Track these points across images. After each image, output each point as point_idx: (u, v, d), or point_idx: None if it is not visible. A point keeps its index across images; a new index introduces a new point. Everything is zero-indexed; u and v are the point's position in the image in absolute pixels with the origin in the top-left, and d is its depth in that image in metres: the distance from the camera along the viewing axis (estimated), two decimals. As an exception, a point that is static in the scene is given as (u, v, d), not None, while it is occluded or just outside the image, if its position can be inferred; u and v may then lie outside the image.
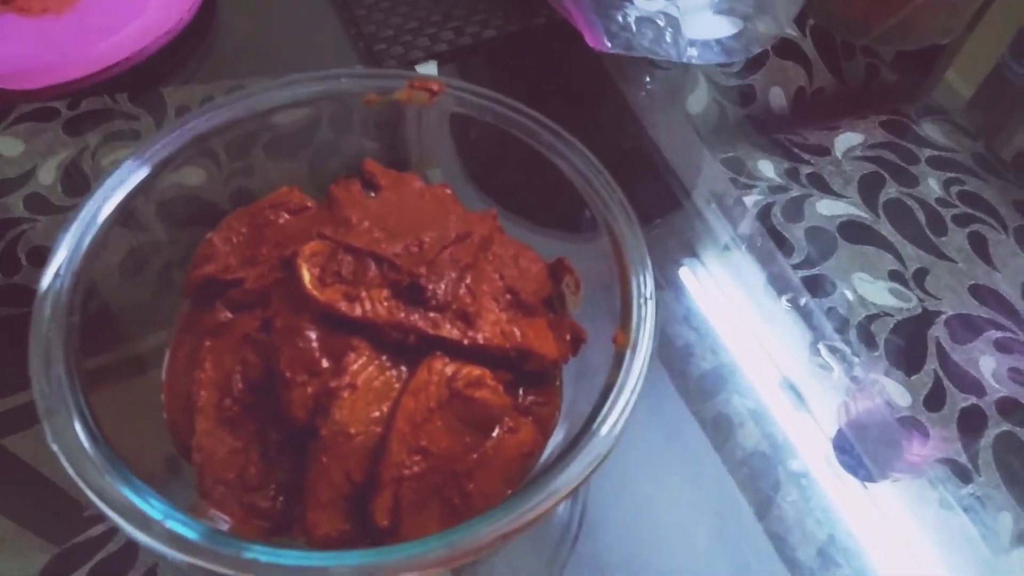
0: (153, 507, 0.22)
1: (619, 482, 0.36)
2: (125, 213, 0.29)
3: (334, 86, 0.33)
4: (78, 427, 0.23)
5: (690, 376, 0.39)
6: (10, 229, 0.41)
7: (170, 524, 0.21)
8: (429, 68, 0.50)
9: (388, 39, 0.50)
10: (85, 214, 0.28)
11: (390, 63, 0.49)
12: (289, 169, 0.34)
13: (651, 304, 0.27)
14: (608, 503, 0.35)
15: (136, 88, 0.47)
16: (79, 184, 0.43)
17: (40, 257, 0.39)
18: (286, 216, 0.31)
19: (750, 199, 0.47)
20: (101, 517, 0.31)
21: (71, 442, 0.23)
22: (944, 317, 0.43)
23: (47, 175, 0.43)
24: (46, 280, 0.26)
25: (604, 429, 0.24)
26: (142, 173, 0.30)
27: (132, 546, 0.32)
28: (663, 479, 0.37)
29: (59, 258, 0.27)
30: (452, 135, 0.38)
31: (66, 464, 0.22)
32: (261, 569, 0.21)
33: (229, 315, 0.28)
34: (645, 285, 0.28)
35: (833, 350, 0.41)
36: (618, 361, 0.26)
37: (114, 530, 0.32)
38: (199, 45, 0.52)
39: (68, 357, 0.25)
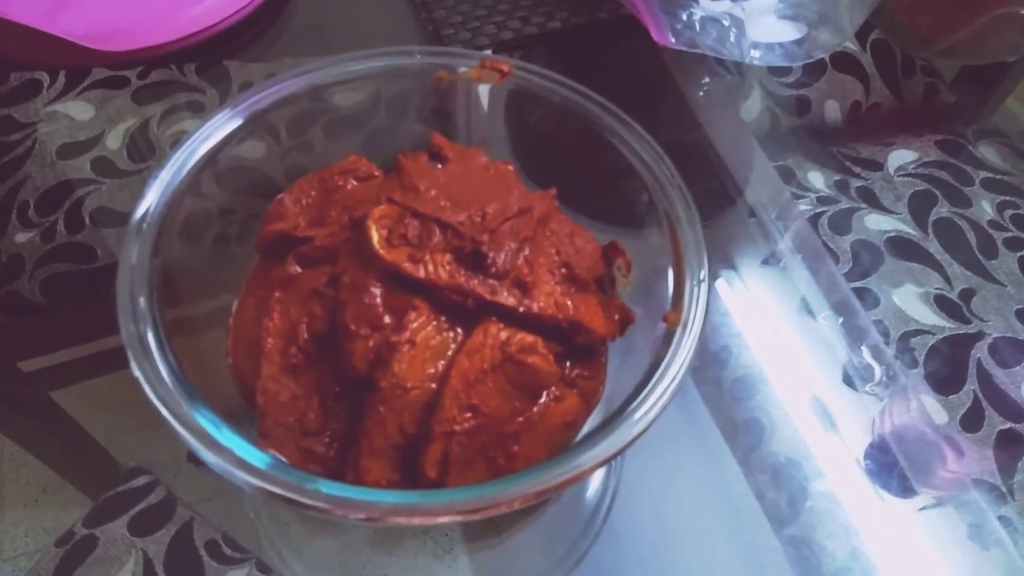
0: (225, 435, 0.23)
1: (651, 474, 0.36)
2: (210, 162, 0.31)
3: (407, 61, 0.35)
4: (158, 359, 0.25)
5: (724, 379, 0.39)
6: (78, 189, 0.42)
7: (241, 452, 0.23)
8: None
9: (456, 24, 0.52)
10: (173, 162, 0.30)
11: (457, 48, 0.51)
12: (345, 149, 0.35)
13: (703, 287, 0.28)
14: (639, 492, 0.36)
15: (205, 61, 0.48)
16: (143, 150, 0.44)
17: (102, 217, 0.41)
18: (354, 182, 0.33)
19: (798, 209, 0.47)
20: (142, 470, 0.33)
21: (152, 370, 0.24)
22: (989, 339, 0.42)
23: (114, 140, 0.44)
24: (135, 217, 0.28)
25: (649, 401, 0.25)
26: (235, 123, 0.32)
27: (171, 500, 0.33)
28: (692, 473, 0.37)
29: (147, 201, 0.28)
30: (511, 119, 0.38)
31: (147, 388, 0.24)
32: (322, 498, 0.22)
33: (299, 269, 0.30)
34: (699, 268, 0.28)
35: (871, 362, 0.41)
36: (668, 339, 0.27)
37: (155, 483, 0.33)
38: (271, 24, 0.53)
39: (151, 294, 0.26)
